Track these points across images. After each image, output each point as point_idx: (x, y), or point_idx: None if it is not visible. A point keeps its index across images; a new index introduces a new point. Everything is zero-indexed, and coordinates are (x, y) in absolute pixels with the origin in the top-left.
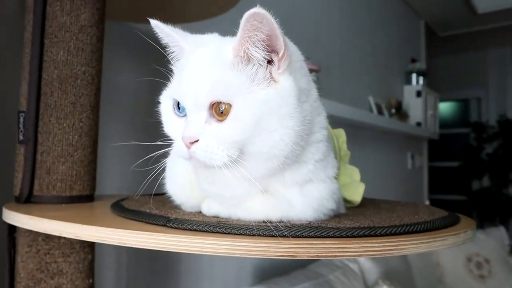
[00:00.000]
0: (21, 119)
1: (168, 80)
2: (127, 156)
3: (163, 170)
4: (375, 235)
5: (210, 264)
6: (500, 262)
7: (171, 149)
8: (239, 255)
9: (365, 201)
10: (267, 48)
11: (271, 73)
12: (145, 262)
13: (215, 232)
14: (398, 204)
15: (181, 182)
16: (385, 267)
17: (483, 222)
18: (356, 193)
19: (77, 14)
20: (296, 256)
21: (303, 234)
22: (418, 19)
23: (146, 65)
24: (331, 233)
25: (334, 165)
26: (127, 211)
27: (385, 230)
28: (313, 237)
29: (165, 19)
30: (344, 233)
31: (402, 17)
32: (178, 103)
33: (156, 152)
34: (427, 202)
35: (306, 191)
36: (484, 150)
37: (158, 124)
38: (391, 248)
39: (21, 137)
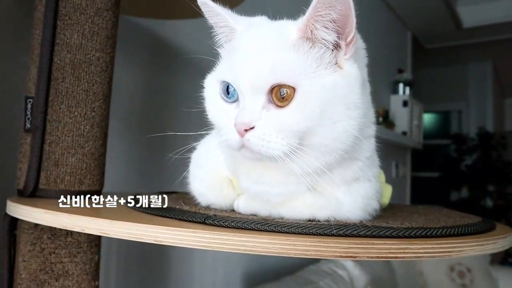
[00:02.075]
0: (29, 106)
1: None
2: (124, 152)
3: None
4: (432, 236)
5: (200, 269)
6: (482, 272)
7: (197, 144)
8: (294, 255)
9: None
10: (337, 30)
11: (336, 58)
12: (134, 263)
13: (263, 231)
14: (421, 207)
15: (210, 180)
16: (372, 275)
17: None
18: (385, 196)
19: None
20: (356, 257)
21: (361, 234)
22: (405, 30)
23: (146, 60)
24: (388, 233)
25: (378, 163)
26: (153, 208)
27: (440, 231)
28: (372, 236)
29: (169, 15)
30: (401, 233)
31: (390, 28)
32: (228, 88)
33: (184, 147)
34: None
35: (353, 189)
36: (464, 162)
37: (151, 119)
38: (449, 250)
39: (28, 125)
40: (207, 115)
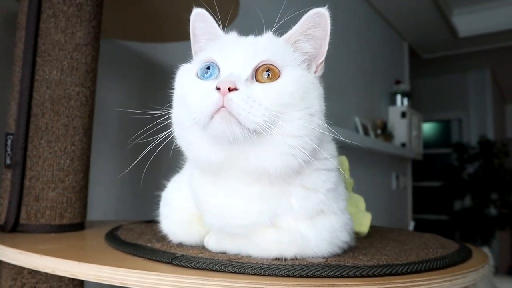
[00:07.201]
0: (9, 142)
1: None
2: (112, 180)
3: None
4: (397, 274)
5: None
6: (486, 283)
7: (167, 181)
8: None
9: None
10: (315, 47)
11: (310, 70)
12: None
13: (227, 272)
14: (403, 233)
15: (178, 219)
16: None
17: (466, 242)
18: (363, 224)
19: (72, 32)
20: None
21: (323, 274)
22: (402, 42)
23: (134, 84)
24: (351, 272)
25: (345, 196)
26: (126, 245)
27: (405, 268)
28: (334, 277)
29: (158, 38)
30: (365, 272)
31: (387, 40)
32: (207, 69)
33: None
34: (411, 223)
35: (318, 223)
36: (465, 170)
37: (146, 144)
38: None
39: (8, 161)
40: (173, 99)
